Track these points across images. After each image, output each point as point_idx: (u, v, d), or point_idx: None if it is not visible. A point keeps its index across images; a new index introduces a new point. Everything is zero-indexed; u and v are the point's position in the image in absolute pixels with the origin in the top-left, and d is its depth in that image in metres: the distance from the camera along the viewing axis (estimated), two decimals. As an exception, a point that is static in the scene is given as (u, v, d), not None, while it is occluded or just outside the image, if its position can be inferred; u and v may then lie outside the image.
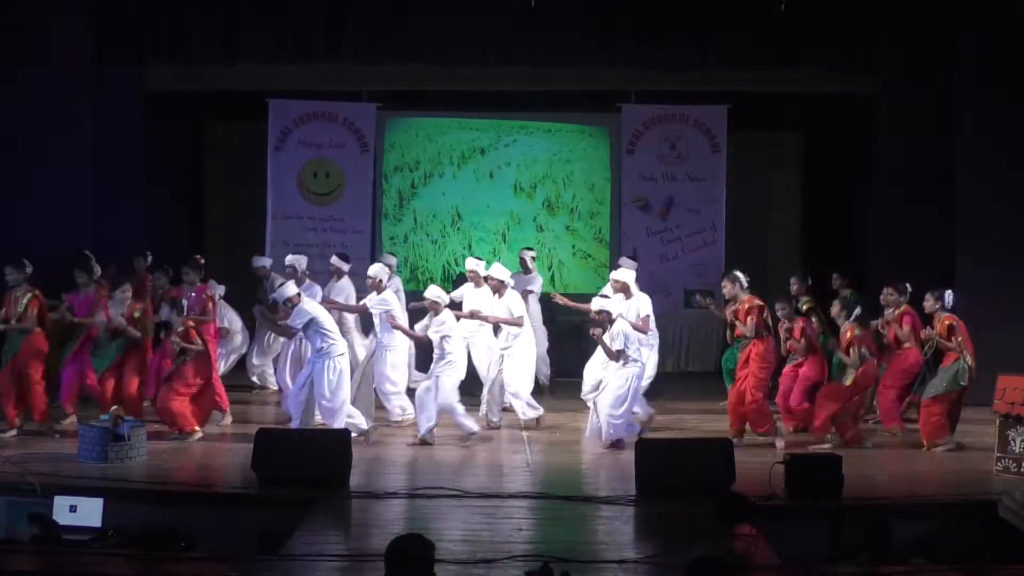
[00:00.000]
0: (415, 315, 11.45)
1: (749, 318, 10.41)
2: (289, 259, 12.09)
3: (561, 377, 12.65)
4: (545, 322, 12.61)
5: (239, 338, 12.51)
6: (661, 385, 12.20)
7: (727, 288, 10.72)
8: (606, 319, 10.13)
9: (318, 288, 11.90)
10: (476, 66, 13.55)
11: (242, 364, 12.80)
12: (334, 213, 14.59)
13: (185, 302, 10.61)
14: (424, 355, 11.33)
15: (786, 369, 10.77)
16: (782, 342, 10.55)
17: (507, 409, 11.19)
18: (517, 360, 11.04)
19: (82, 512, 7.83)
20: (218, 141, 16.38)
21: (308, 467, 8.45)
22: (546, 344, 12.43)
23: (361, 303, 11.44)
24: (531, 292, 12.13)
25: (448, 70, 13.72)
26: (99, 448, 9.07)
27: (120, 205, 13.49)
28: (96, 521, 7.90)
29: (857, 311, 10.19)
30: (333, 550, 6.97)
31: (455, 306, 11.07)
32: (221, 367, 11.81)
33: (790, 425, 10.59)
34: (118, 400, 10.28)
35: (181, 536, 7.70)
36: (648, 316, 10.97)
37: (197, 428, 10.26)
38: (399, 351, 11.05)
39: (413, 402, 10.61)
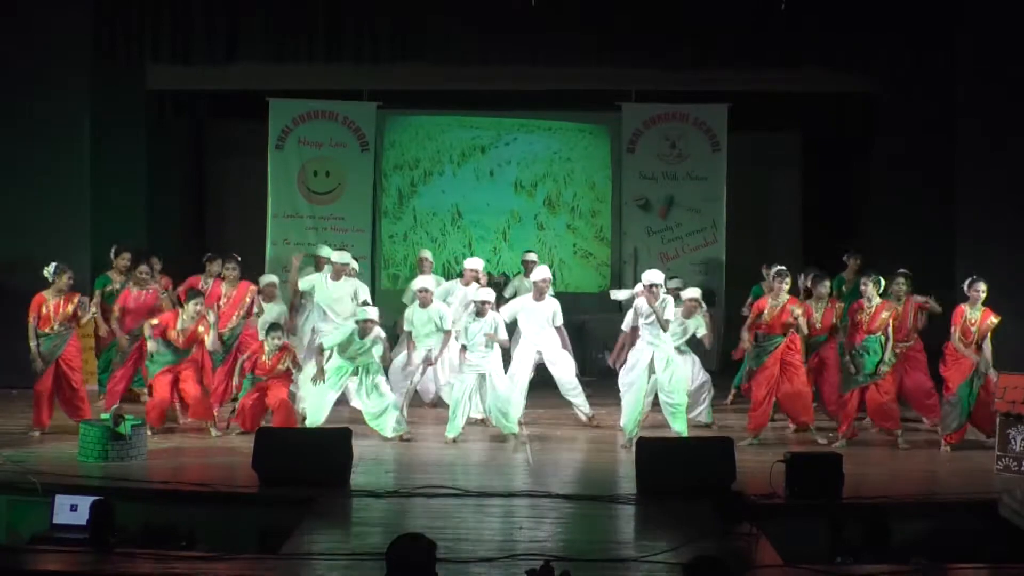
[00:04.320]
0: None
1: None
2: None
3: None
4: None
5: None
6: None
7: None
8: None
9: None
10: (476, 65, 13.55)
11: None
12: (334, 212, 14.59)
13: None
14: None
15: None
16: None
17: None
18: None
19: (82, 512, 7.81)
20: (218, 141, 16.39)
21: (308, 466, 8.45)
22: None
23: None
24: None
25: (448, 69, 13.72)
26: (99, 447, 9.07)
27: (120, 205, 13.51)
28: (97, 520, 7.90)
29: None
30: (333, 549, 6.97)
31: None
32: None
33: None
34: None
35: (181, 535, 7.72)
36: None
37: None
38: None
39: None
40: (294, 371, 10.61)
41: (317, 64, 13.52)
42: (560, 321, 11.03)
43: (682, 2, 13.12)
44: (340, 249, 12.65)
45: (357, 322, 10.34)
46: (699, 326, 10.49)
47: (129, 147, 13.80)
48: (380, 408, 10.30)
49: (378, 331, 10.40)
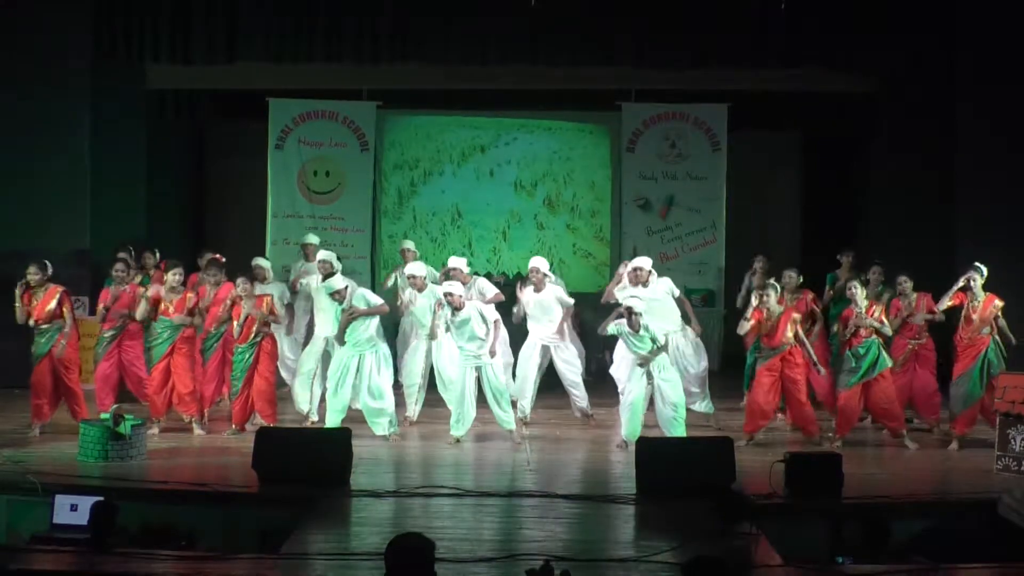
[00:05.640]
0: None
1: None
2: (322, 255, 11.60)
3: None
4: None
5: None
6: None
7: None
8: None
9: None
10: (476, 65, 13.54)
11: None
12: (334, 211, 14.61)
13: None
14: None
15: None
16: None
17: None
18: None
19: (82, 511, 7.81)
20: (218, 141, 16.40)
21: (308, 466, 8.45)
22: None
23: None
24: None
25: (448, 69, 13.73)
26: (99, 447, 9.08)
27: (120, 205, 13.51)
28: (96, 520, 7.90)
29: None
30: (333, 549, 6.98)
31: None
32: None
33: None
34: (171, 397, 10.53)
35: (181, 535, 7.73)
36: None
37: None
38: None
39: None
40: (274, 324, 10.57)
41: (317, 64, 13.53)
42: (568, 302, 11.08)
43: (682, 2, 13.12)
44: (343, 247, 12.65)
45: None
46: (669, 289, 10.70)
47: (129, 147, 13.80)
48: (380, 407, 10.31)
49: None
